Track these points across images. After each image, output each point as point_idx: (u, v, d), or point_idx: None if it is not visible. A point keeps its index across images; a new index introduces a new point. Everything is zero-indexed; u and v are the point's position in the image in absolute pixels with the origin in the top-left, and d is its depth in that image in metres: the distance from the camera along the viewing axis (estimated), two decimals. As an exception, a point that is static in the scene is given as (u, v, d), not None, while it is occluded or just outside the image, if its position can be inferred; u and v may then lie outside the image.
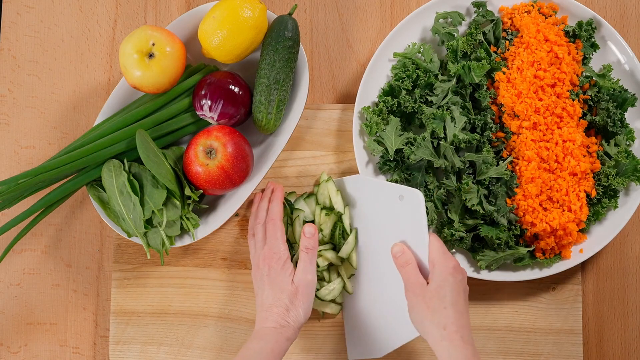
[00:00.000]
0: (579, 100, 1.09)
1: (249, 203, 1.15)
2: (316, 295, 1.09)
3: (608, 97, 1.08)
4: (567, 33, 1.11)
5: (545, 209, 1.06)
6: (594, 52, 1.11)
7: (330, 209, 1.10)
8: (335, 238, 1.09)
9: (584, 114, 1.10)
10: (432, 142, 1.09)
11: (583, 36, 1.10)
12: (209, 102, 1.07)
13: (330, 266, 1.11)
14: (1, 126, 1.20)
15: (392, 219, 1.03)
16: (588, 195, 1.08)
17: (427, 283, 0.96)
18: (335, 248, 1.10)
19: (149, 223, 1.07)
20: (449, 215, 1.08)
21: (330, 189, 1.10)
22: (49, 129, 1.20)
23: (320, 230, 1.09)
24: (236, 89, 1.08)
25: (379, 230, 1.06)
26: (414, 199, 1.00)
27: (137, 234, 1.07)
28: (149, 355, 1.14)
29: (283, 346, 1.00)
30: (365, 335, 1.08)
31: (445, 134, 1.08)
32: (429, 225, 1.06)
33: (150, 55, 1.06)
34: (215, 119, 1.08)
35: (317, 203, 1.11)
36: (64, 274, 1.17)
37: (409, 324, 0.99)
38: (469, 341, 0.91)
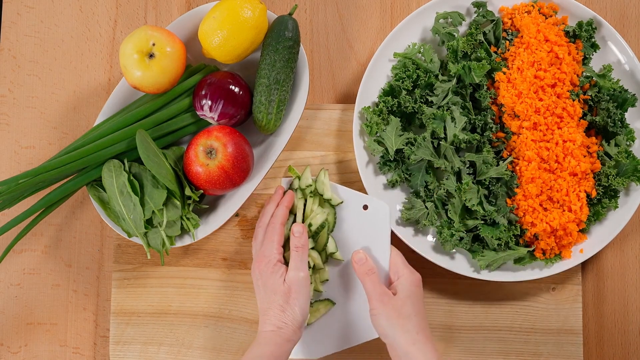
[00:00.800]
0: (579, 101, 1.09)
1: (249, 203, 1.15)
2: None
3: (608, 97, 1.08)
4: (567, 33, 1.11)
5: (545, 209, 1.06)
6: (594, 52, 1.11)
7: (327, 201, 1.10)
8: (322, 234, 1.09)
9: (584, 114, 1.10)
10: (432, 142, 1.09)
11: (583, 36, 1.10)
12: (209, 102, 1.07)
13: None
14: (1, 126, 1.20)
15: (356, 226, 1.08)
16: (588, 196, 1.08)
17: (393, 293, 1.02)
18: (316, 246, 1.10)
19: (149, 223, 1.07)
20: (449, 215, 1.08)
21: (327, 185, 1.10)
22: (49, 129, 1.20)
23: (309, 225, 1.09)
24: (236, 89, 1.08)
25: (342, 235, 1.10)
26: (379, 211, 1.07)
27: (137, 234, 1.07)
28: (149, 355, 1.14)
29: (284, 348, 1.00)
30: (319, 333, 1.10)
31: (445, 134, 1.08)
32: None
33: (151, 56, 1.06)
34: (215, 119, 1.08)
35: (314, 194, 1.11)
36: (64, 274, 1.17)
37: (369, 326, 1.05)
38: (435, 347, 0.99)
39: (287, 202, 1.09)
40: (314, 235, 1.09)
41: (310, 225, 1.09)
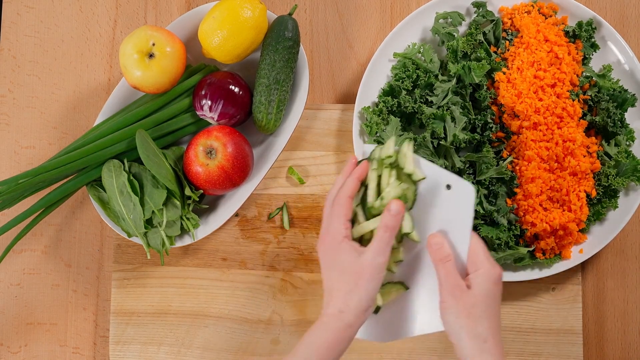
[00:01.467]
0: (579, 101, 1.09)
1: (249, 203, 1.15)
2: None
3: (608, 97, 1.08)
4: (567, 33, 1.11)
5: (545, 209, 1.06)
6: (594, 52, 1.11)
7: (408, 175, 0.96)
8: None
9: (584, 114, 1.10)
10: (432, 142, 1.09)
11: (583, 36, 1.10)
12: (209, 102, 1.07)
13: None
14: (1, 126, 1.20)
15: (436, 207, 0.95)
16: (588, 195, 1.08)
17: (467, 286, 0.90)
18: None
19: (149, 223, 1.07)
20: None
21: (409, 158, 0.96)
22: (49, 129, 1.20)
23: (382, 198, 0.95)
24: (236, 89, 1.08)
25: (420, 215, 0.97)
26: (464, 192, 0.92)
27: (137, 234, 1.07)
28: (149, 355, 1.14)
29: (344, 334, 0.90)
30: (385, 317, 1.00)
31: (445, 134, 1.08)
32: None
33: (151, 55, 1.06)
34: (215, 119, 1.08)
35: (394, 167, 0.97)
36: (64, 274, 1.17)
37: (437, 318, 0.93)
38: (503, 353, 0.89)
39: (359, 174, 0.95)
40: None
41: (382, 198, 0.95)
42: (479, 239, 0.92)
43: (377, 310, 0.96)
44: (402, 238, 0.97)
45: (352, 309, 0.90)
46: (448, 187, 0.93)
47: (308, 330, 0.91)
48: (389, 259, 0.92)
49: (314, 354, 0.89)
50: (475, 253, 0.91)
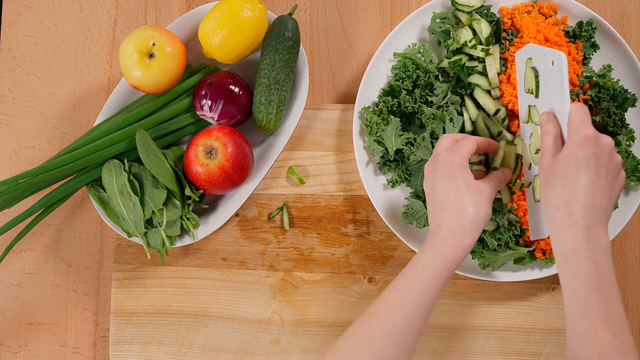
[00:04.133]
0: (579, 101, 1.09)
1: (249, 203, 1.15)
2: None
3: (608, 97, 1.08)
4: (567, 33, 1.11)
5: (545, 209, 1.06)
6: (594, 52, 1.11)
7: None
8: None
9: (584, 114, 1.10)
10: (431, 142, 1.09)
11: (583, 36, 1.10)
12: (209, 102, 1.07)
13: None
14: (1, 126, 1.20)
15: (546, 87, 0.94)
16: (588, 195, 1.08)
17: None
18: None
19: (149, 223, 1.07)
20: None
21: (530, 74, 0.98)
22: (49, 129, 1.20)
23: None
24: (236, 89, 1.08)
25: (537, 100, 0.97)
26: (557, 62, 0.91)
27: (137, 234, 1.07)
28: (149, 355, 1.14)
29: (459, 256, 0.86)
30: (533, 214, 0.98)
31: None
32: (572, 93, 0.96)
33: (151, 55, 1.06)
34: (215, 119, 1.08)
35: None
36: (64, 274, 1.17)
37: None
38: (587, 226, 0.79)
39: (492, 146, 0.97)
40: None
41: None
42: (578, 107, 0.86)
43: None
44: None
45: (476, 226, 0.86)
46: (553, 63, 0.92)
47: (418, 252, 0.88)
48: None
49: (437, 273, 0.85)
50: (570, 121, 0.85)
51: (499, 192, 1.04)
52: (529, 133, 0.99)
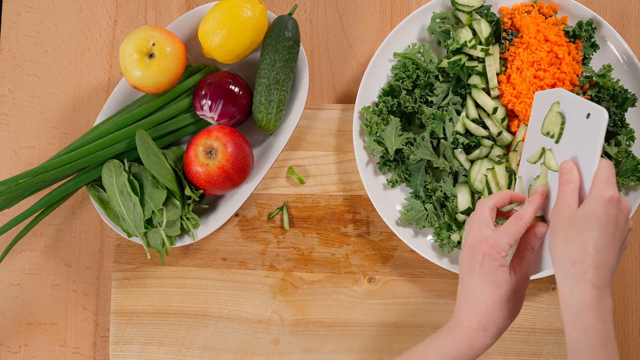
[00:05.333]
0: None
1: (249, 203, 1.15)
2: None
3: (608, 97, 1.08)
4: (567, 33, 1.11)
5: (545, 209, 1.07)
6: (594, 52, 1.11)
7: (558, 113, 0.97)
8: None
9: (584, 114, 1.10)
10: (431, 142, 1.09)
11: (583, 36, 1.10)
12: (209, 102, 1.07)
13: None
14: (1, 126, 1.20)
15: (572, 136, 0.92)
16: (588, 195, 1.08)
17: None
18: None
19: (149, 223, 1.07)
20: (445, 219, 1.08)
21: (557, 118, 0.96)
22: (49, 129, 1.20)
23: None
24: (236, 89, 1.08)
25: (561, 145, 0.95)
26: (598, 118, 0.88)
27: (137, 234, 1.07)
28: (149, 355, 1.14)
29: (474, 353, 0.87)
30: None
31: (444, 134, 1.08)
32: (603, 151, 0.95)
33: (151, 55, 1.06)
34: (215, 119, 1.08)
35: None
36: (64, 274, 1.17)
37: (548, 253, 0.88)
38: (599, 285, 0.79)
39: (539, 202, 0.92)
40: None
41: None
42: (607, 164, 0.85)
43: None
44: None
45: (492, 330, 0.87)
46: (588, 115, 0.90)
47: (438, 332, 0.88)
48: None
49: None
50: (597, 177, 0.85)
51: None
52: (535, 174, 0.96)
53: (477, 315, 0.87)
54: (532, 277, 0.93)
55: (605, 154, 1.09)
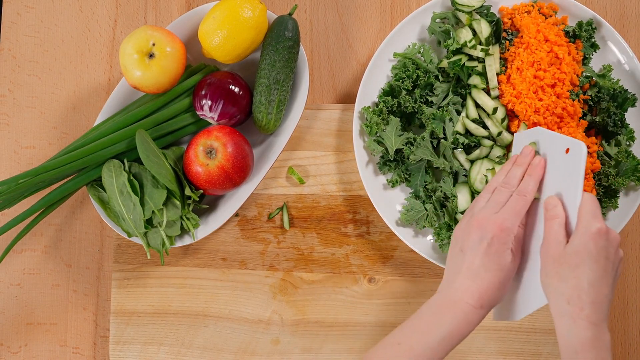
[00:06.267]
0: (579, 101, 1.09)
1: (249, 203, 1.15)
2: None
3: (608, 97, 1.08)
4: (567, 33, 1.11)
5: (545, 209, 1.06)
6: (594, 52, 1.11)
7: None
8: None
9: (584, 114, 1.10)
10: (431, 142, 1.09)
11: (583, 36, 1.10)
12: (209, 102, 1.07)
13: None
14: (1, 126, 1.20)
15: (553, 171, 0.94)
16: (588, 196, 1.08)
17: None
18: None
19: (149, 223, 1.07)
20: (445, 219, 1.08)
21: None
22: (49, 129, 1.20)
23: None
24: (236, 89, 1.08)
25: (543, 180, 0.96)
26: (577, 152, 0.90)
27: (137, 234, 1.07)
28: (149, 355, 1.14)
29: (470, 329, 0.87)
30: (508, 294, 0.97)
31: (444, 134, 1.08)
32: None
33: (151, 55, 1.06)
34: (215, 119, 1.08)
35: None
36: (64, 274, 1.17)
37: (540, 288, 0.88)
38: (596, 322, 0.80)
39: (539, 175, 0.93)
40: None
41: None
42: (591, 197, 0.86)
43: None
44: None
45: (487, 308, 0.88)
46: (567, 150, 0.92)
47: (441, 309, 0.88)
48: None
49: (447, 341, 0.86)
50: (582, 211, 0.85)
51: None
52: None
53: (479, 292, 0.87)
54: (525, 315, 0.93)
55: (605, 154, 1.09)
